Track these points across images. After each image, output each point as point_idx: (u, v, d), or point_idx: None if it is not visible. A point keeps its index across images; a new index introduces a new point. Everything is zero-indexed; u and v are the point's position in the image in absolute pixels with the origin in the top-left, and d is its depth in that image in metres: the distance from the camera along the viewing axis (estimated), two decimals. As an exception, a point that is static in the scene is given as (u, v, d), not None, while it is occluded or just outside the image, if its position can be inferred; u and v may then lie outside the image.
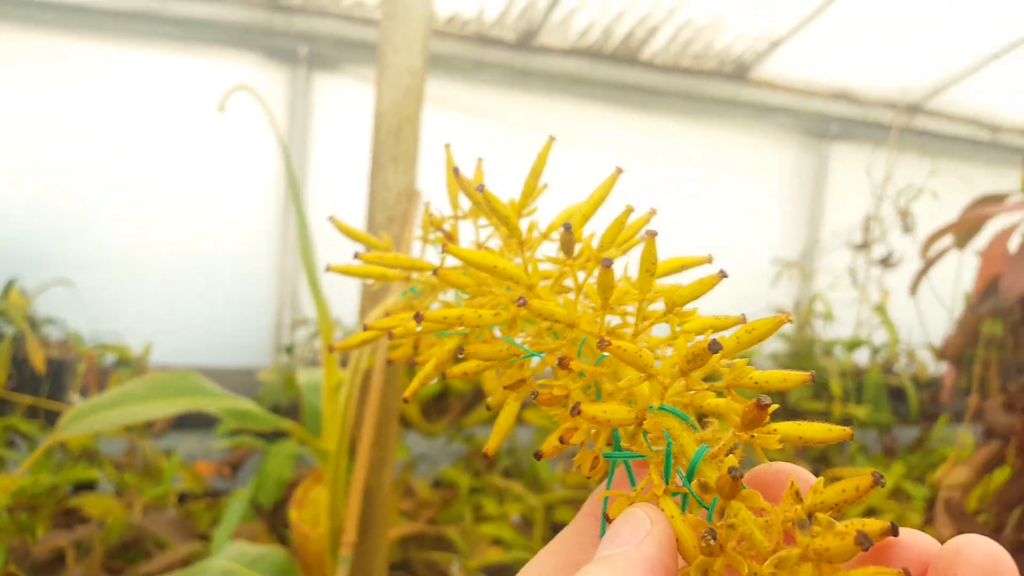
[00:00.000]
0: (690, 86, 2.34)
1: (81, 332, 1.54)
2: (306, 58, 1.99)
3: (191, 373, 0.67)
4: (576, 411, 0.21)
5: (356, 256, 0.31)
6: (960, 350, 1.26)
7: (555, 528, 1.53)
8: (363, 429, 0.71)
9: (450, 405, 1.65)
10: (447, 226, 0.31)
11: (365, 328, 0.29)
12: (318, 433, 0.70)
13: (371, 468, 0.72)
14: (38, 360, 1.32)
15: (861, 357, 2.41)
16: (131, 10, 1.81)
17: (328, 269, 0.33)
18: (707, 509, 0.20)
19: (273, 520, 1.32)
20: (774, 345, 2.19)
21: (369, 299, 0.74)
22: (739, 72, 2.35)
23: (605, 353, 0.21)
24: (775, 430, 0.20)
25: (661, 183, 2.35)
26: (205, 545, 1.17)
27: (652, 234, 0.23)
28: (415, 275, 0.31)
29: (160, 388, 0.64)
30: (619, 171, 0.27)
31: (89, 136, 1.91)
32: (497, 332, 0.26)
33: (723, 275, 0.23)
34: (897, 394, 2.12)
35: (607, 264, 0.23)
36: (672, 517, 0.20)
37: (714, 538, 0.19)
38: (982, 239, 1.22)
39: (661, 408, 0.21)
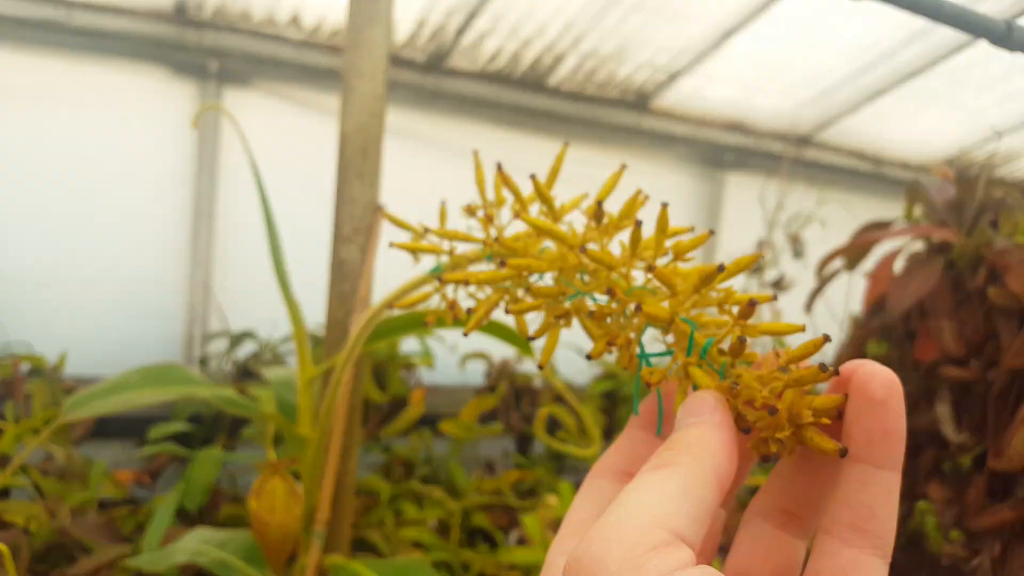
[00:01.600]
0: (594, 114, 2.54)
1: (-10, 343, 1.59)
2: (216, 73, 2.09)
3: (178, 365, 0.79)
4: (639, 308, 0.32)
5: (428, 231, 0.41)
6: None
7: (471, 532, 1.68)
8: (335, 420, 0.85)
9: (368, 417, 1.78)
10: (483, 212, 0.40)
11: (440, 281, 0.38)
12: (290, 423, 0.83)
13: (342, 455, 0.86)
14: (-51, 370, 1.37)
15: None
16: (36, 19, 1.86)
17: (392, 245, 0.42)
18: (717, 372, 0.32)
19: (201, 524, 1.41)
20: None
21: (337, 301, 0.87)
22: (640, 102, 2.58)
23: (634, 287, 0.33)
24: (754, 327, 0.32)
25: (580, 193, 2.54)
26: (132, 548, 1.25)
27: (665, 204, 0.34)
28: (459, 248, 0.43)
29: (152, 378, 0.75)
30: (624, 166, 0.40)
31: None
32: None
33: (711, 232, 0.36)
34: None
35: (639, 223, 0.34)
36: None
37: (737, 384, 0.30)
38: (869, 262, 1.38)
39: (682, 320, 0.32)
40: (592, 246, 0.35)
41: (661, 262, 0.35)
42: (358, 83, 0.85)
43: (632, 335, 0.34)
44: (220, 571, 0.83)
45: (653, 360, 0.34)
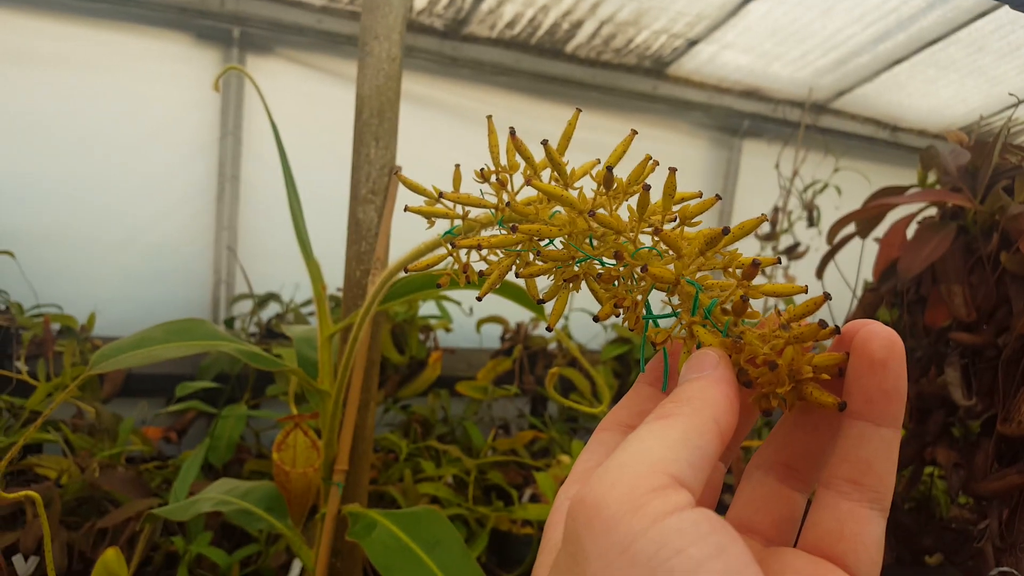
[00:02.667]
0: (611, 80, 2.52)
1: (23, 304, 1.62)
2: (238, 40, 2.09)
3: (203, 320, 0.80)
4: (645, 269, 0.32)
5: (443, 196, 0.41)
6: None
7: (486, 489, 1.71)
8: (353, 375, 0.86)
9: (388, 377, 1.80)
10: (495, 177, 0.40)
11: (453, 246, 0.38)
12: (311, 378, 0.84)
13: (359, 408, 0.87)
14: (-18, 329, 1.40)
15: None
16: (60, -14, 1.87)
17: (406, 209, 0.42)
18: (720, 331, 0.32)
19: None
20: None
21: (355, 260, 0.88)
22: (658, 68, 2.56)
23: (642, 248, 0.33)
24: (757, 288, 0.32)
25: (592, 159, 2.54)
26: (160, 501, 1.28)
27: (673, 169, 0.35)
28: (472, 212, 0.43)
29: (177, 332, 0.76)
30: (634, 132, 0.39)
31: (23, 113, 1.96)
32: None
33: (718, 197, 0.36)
34: (802, 374, 2.36)
35: (647, 187, 0.34)
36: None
37: (741, 339, 0.31)
38: (882, 228, 1.36)
39: (688, 281, 0.33)
40: (601, 211, 0.35)
41: (668, 227, 0.35)
42: (374, 45, 0.85)
43: (639, 297, 0.34)
44: (243, 520, 0.85)
45: (660, 322, 0.34)
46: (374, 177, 0.86)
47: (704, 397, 0.29)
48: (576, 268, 0.36)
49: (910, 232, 1.28)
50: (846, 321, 1.17)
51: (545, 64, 2.42)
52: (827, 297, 0.31)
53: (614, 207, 0.36)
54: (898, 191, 1.34)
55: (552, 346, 2.07)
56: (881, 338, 0.29)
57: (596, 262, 0.36)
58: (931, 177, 1.35)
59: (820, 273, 1.46)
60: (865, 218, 1.37)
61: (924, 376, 1.28)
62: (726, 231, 0.32)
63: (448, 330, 2.01)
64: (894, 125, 3.04)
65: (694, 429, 0.27)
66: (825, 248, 1.45)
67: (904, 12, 2.30)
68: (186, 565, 1.22)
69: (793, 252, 2.52)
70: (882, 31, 2.40)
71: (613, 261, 0.34)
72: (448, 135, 2.42)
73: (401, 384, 1.82)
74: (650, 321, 0.34)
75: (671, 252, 0.34)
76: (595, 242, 0.35)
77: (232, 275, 2.20)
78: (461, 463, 1.65)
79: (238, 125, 2.17)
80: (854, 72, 2.64)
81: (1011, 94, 2.56)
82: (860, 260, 1.52)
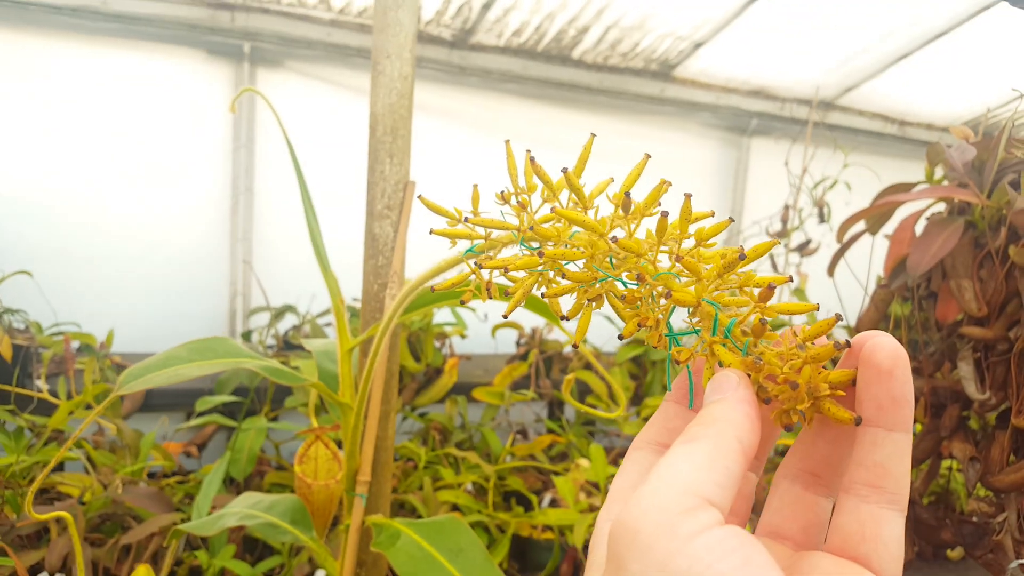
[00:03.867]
0: (618, 84, 2.53)
1: (41, 322, 1.64)
2: (249, 55, 2.11)
3: (225, 338, 0.80)
4: (669, 295, 0.34)
5: (467, 220, 0.42)
6: (873, 324, 1.34)
7: (506, 495, 1.72)
8: (373, 387, 0.87)
9: (405, 385, 1.81)
10: (515, 200, 0.41)
11: (480, 267, 0.40)
12: (332, 391, 0.85)
13: (380, 420, 0.88)
14: (5, 348, 1.42)
15: (782, 337, 2.65)
16: (71, 5, 1.88)
17: (432, 232, 0.43)
18: (740, 350, 0.33)
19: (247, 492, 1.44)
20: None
21: (372, 274, 0.89)
22: (664, 71, 2.56)
23: (661, 271, 0.34)
24: (772, 308, 0.33)
25: (591, 177, 2.55)
26: (183, 516, 1.30)
27: (688, 195, 0.35)
28: (494, 233, 0.45)
29: (200, 351, 0.77)
30: (647, 157, 0.40)
31: (40, 132, 1.98)
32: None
33: (731, 220, 0.37)
34: (816, 371, 2.36)
35: (665, 213, 0.35)
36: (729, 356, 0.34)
37: (760, 360, 0.32)
38: (892, 224, 1.34)
39: (708, 302, 0.34)
40: (620, 232, 0.37)
41: (687, 246, 0.36)
42: (386, 64, 0.86)
43: (660, 316, 0.36)
44: (268, 533, 0.86)
45: (681, 339, 0.36)
46: (389, 193, 0.87)
47: (727, 419, 0.31)
48: (598, 287, 0.37)
49: (919, 228, 1.27)
50: (859, 318, 1.17)
51: (553, 70, 2.43)
52: (838, 318, 0.32)
53: (633, 228, 0.37)
54: (906, 188, 1.33)
55: (567, 349, 2.07)
56: (886, 349, 0.30)
57: (617, 282, 0.37)
58: (938, 173, 1.35)
59: (831, 271, 1.45)
60: (874, 216, 1.36)
61: (938, 371, 1.28)
62: (743, 256, 0.33)
63: (463, 336, 2.01)
64: (901, 120, 3.03)
65: (719, 450, 0.29)
66: (836, 244, 1.45)
67: (905, 9, 2.30)
68: (211, 578, 1.23)
69: (805, 248, 2.52)
70: (887, 27, 2.39)
71: (634, 282, 0.36)
72: (459, 143, 2.43)
73: (418, 392, 1.83)
74: (673, 340, 0.36)
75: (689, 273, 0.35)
76: (615, 261, 0.37)
77: (248, 287, 2.22)
78: (480, 470, 1.66)
79: (251, 138, 2.19)
80: (860, 68, 2.64)
81: (1014, 89, 2.55)
82: (871, 256, 1.52)
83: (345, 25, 2.15)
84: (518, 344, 2.11)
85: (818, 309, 0.35)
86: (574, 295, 0.38)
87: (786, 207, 2.53)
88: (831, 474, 0.34)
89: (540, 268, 0.38)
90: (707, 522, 0.26)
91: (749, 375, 0.33)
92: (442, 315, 2.05)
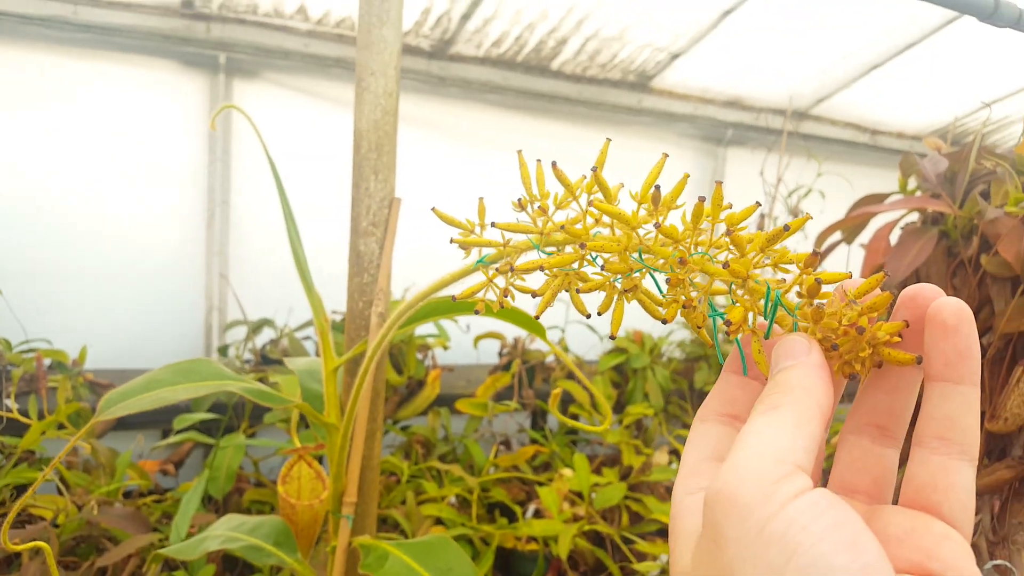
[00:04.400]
0: (597, 95, 2.52)
1: (11, 339, 1.59)
2: (225, 65, 2.08)
3: (208, 360, 0.78)
4: (727, 266, 0.35)
5: (494, 225, 0.43)
6: None
7: (490, 507, 1.69)
8: (360, 406, 0.85)
9: (387, 399, 1.78)
10: (537, 205, 0.42)
11: (512, 270, 0.41)
12: (316, 412, 0.83)
13: (366, 439, 0.86)
14: (-26, 366, 1.38)
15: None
16: (41, 15, 1.83)
17: (452, 241, 0.43)
18: (793, 317, 0.35)
19: (226, 511, 1.41)
20: (683, 334, 2.42)
21: (357, 292, 0.87)
22: (642, 82, 2.57)
23: (697, 253, 0.36)
24: (815, 275, 0.34)
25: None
26: (160, 536, 1.26)
27: (719, 183, 0.37)
28: (513, 239, 0.45)
29: (184, 373, 0.74)
30: (665, 156, 0.41)
31: (9, 145, 1.93)
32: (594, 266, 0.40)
33: (758, 204, 0.39)
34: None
35: (701, 198, 0.37)
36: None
37: (823, 305, 0.34)
38: (867, 233, 1.37)
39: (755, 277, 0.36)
40: (653, 223, 0.38)
41: (718, 230, 0.38)
42: (371, 81, 0.84)
43: (701, 298, 0.37)
44: (252, 555, 0.83)
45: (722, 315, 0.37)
46: (374, 210, 0.85)
47: (806, 385, 0.32)
48: (636, 278, 0.39)
49: (894, 238, 1.30)
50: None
51: (532, 81, 2.42)
52: (886, 274, 0.35)
53: (662, 220, 0.38)
54: (879, 199, 1.36)
55: (550, 359, 2.06)
56: (951, 306, 0.32)
57: (650, 271, 0.39)
58: (912, 183, 1.37)
59: (810, 280, 1.47)
60: (849, 226, 1.39)
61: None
62: (787, 228, 0.35)
63: (446, 348, 1.99)
64: (873, 129, 3.07)
65: (803, 416, 0.31)
66: (811, 251, 1.47)
67: (877, 20, 2.33)
68: (190, 599, 1.20)
69: (781, 257, 2.54)
70: (859, 39, 2.42)
71: (665, 273, 0.38)
72: (439, 154, 2.41)
73: (400, 405, 1.80)
74: (717, 316, 0.38)
75: (723, 254, 0.37)
76: (644, 254, 0.39)
77: (224, 301, 2.18)
78: (463, 482, 1.64)
79: (227, 151, 2.16)
80: (833, 79, 2.67)
81: (983, 101, 2.58)
82: (847, 265, 1.54)
83: (323, 36, 2.13)
84: (500, 354, 2.09)
85: (851, 276, 0.36)
86: (598, 294, 0.40)
87: (762, 216, 2.54)
88: (895, 425, 0.36)
89: (570, 268, 0.40)
90: (800, 487, 0.28)
91: (809, 329, 0.35)
92: (424, 326, 2.02)
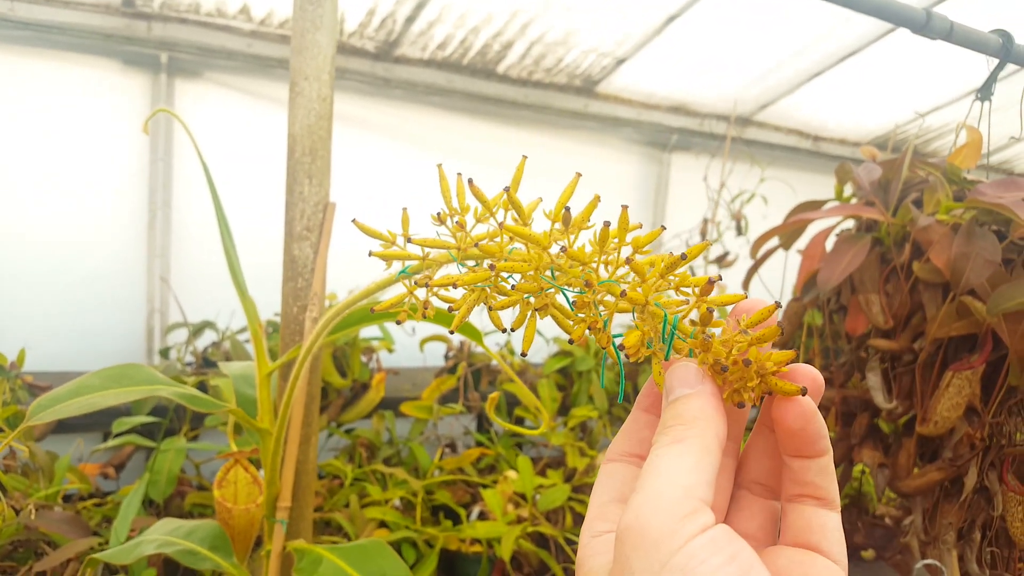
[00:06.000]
0: (543, 99, 2.56)
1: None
2: (167, 65, 2.06)
3: (140, 365, 0.78)
4: (624, 294, 0.37)
5: (410, 240, 0.44)
6: (787, 336, 1.42)
7: (435, 510, 1.71)
8: (293, 411, 0.86)
9: (330, 402, 1.79)
10: (452, 220, 0.43)
11: (421, 284, 0.43)
12: (250, 416, 0.84)
13: (301, 444, 0.87)
14: (-93, 371, 1.35)
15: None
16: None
17: (371, 254, 0.44)
18: (687, 343, 0.36)
19: (167, 514, 1.41)
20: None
21: (291, 297, 0.88)
22: (588, 86, 2.61)
23: (604, 280, 0.37)
24: (711, 300, 0.36)
25: (520, 192, 2.57)
26: (101, 540, 1.26)
27: (625, 207, 0.39)
28: (432, 253, 0.46)
29: (115, 378, 0.75)
30: (578, 175, 0.43)
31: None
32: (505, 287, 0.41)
33: (663, 228, 0.41)
34: (735, 380, 2.43)
35: (606, 223, 0.38)
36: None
37: (709, 338, 0.36)
38: (804, 240, 1.41)
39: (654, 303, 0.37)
40: (555, 248, 0.40)
41: (627, 254, 0.39)
42: (304, 86, 0.86)
43: (606, 319, 0.39)
44: (188, 559, 0.84)
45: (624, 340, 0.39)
46: (308, 214, 0.86)
47: (705, 415, 0.35)
48: (546, 297, 0.40)
49: (829, 244, 1.33)
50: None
51: (478, 84, 2.44)
52: (778, 305, 0.36)
53: (572, 240, 0.40)
54: (816, 206, 1.39)
55: (495, 362, 2.08)
56: (794, 411, 0.35)
57: (560, 291, 0.40)
58: (848, 190, 1.41)
59: (746, 284, 1.50)
60: (787, 232, 1.41)
61: (848, 381, 1.33)
62: (683, 256, 0.37)
63: (391, 351, 2.01)
64: (816, 135, 3.14)
65: (704, 449, 0.33)
66: (753, 257, 1.49)
67: (818, 29, 2.39)
68: (129, 604, 1.20)
69: (723, 260, 2.59)
70: (799, 47, 2.48)
71: (576, 291, 0.39)
72: (383, 156, 2.42)
73: (344, 408, 1.81)
74: (615, 340, 0.39)
75: (628, 279, 0.38)
76: (555, 273, 0.40)
77: (166, 304, 2.16)
78: (408, 485, 1.65)
79: (168, 152, 2.14)
80: (775, 86, 2.73)
81: (916, 111, 2.66)
82: (784, 270, 1.58)
83: (266, 36, 2.13)
84: (446, 357, 2.11)
85: (746, 297, 0.38)
86: (515, 309, 0.41)
87: (705, 220, 2.60)
88: (775, 482, 0.39)
89: (485, 284, 0.41)
90: (704, 523, 0.31)
91: (697, 355, 0.37)
92: (369, 329, 2.03)
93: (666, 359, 0.38)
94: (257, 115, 2.24)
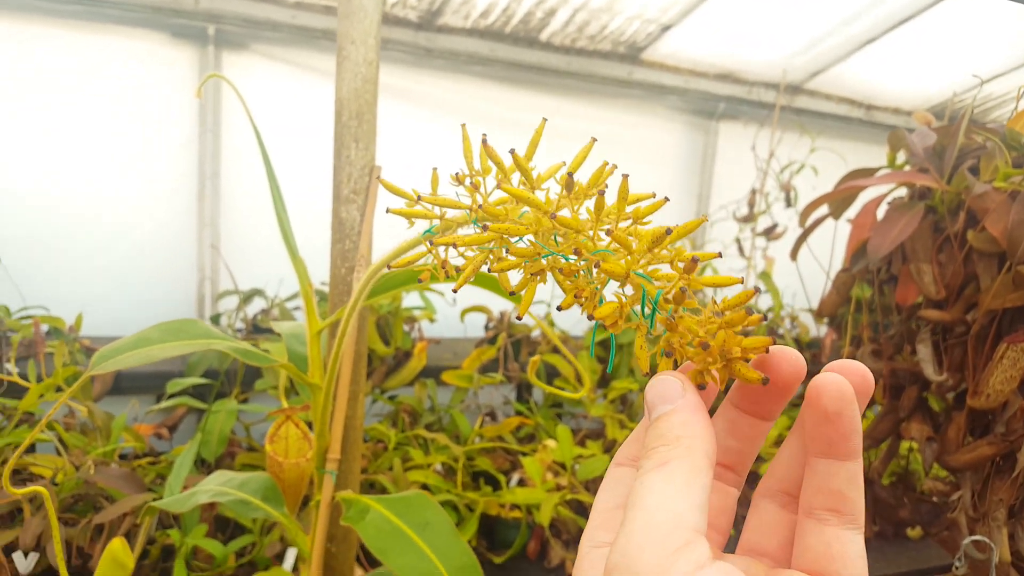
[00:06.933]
0: (586, 67, 2.55)
1: (10, 306, 1.65)
2: (214, 37, 2.10)
3: (196, 320, 0.82)
4: (598, 265, 0.36)
5: (420, 199, 0.44)
6: (835, 307, 1.41)
7: (475, 475, 1.75)
8: (341, 367, 0.90)
9: (374, 369, 1.83)
10: (469, 181, 0.43)
11: (432, 243, 0.43)
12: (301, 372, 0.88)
13: (349, 400, 0.91)
14: (-29, 333, 1.42)
15: (748, 321, 2.71)
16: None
17: (388, 211, 0.45)
18: (668, 315, 0.36)
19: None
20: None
21: (339, 258, 0.92)
22: (632, 54, 2.59)
23: (600, 248, 0.37)
24: (698, 280, 0.36)
25: (559, 161, 2.57)
26: (155, 496, 1.32)
27: (625, 176, 0.38)
28: (448, 213, 0.48)
29: (173, 332, 0.78)
30: (594, 140, 0.43)
31: (4, 118, 1.97)
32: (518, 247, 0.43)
33: (666, 199, 0.40)
34: (781, 354, 2.42)
35: (602, 192, 0.38)
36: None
37: (673, 318, 0.36)
38: (855, 209, 1.39)
39: (637, 273, 0.37)
40: (564, 212, 0.39)
41: (623, 225, 0.39)
42: (351, 50, 0.89)
43: (597, 288, 0.38)
44: (240, 509, 0.88)
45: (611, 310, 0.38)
46: (355, 177, 0.89)
47: (692, 433, 0.32)
48: (544, 263, 0.39)
49: (880, 213, 1.31)
50: (821, 301, 1.19)
51: (520, 53, 2.44)
52: (757, 291, 0.35)
53: (576, 208, 0.39)
54: (868, 173, 1.37)
55: (536, 333, 2.11)
56: (831, 392, 0.32)
57: (560, 257, 0.39)
58: (901, 158, 1.39)
59: (794, 255, 1.49)
60: (837, 200, 1.40)
61: (897, 353, 1.32)
62: (669, 231, 0.36)
63: (432, 320, 2.04)
64: (869, 104, 3.08)
65: (693, 470, 0.31)
66: (801, 228, 1.48)
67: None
68: (183, 557, 1.26)
69: (771, 233, 2.58)
70: (853, 12, 2.43)
71: (574, 257, 0.38)
72: (426, 126, 2.44)
73: (388, 375, 1.85)
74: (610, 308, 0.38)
75: (623, 249, 0.38)
76: (560, 239, 0.39)
77: (216, 272, 2.22)
78: (449, 450, 1.69)
79: (217, 123, 2.19)
80: (827, 52, 2.68)
81: (975, 75, 2.59)
82: (834, 241, 1.56)
83: (310, 7, 2.15)
84: (487, 328, 2.14)
85: (743, 283, 0.37)
86: (521, 272, 0.41)
87: (753, 191, 2.58)
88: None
89: (490, 246, 0.41)
90: (699, 560, 0.28)
91: (663, 333, 0.36)
92: (411, 299, 2.07)
93: (650, 331, 0.37)
94: (301, 86, 2.27)
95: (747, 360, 0.35)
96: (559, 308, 0.39)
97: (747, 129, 2.92)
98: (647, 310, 0.37)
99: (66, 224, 2.07)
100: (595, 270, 0.37)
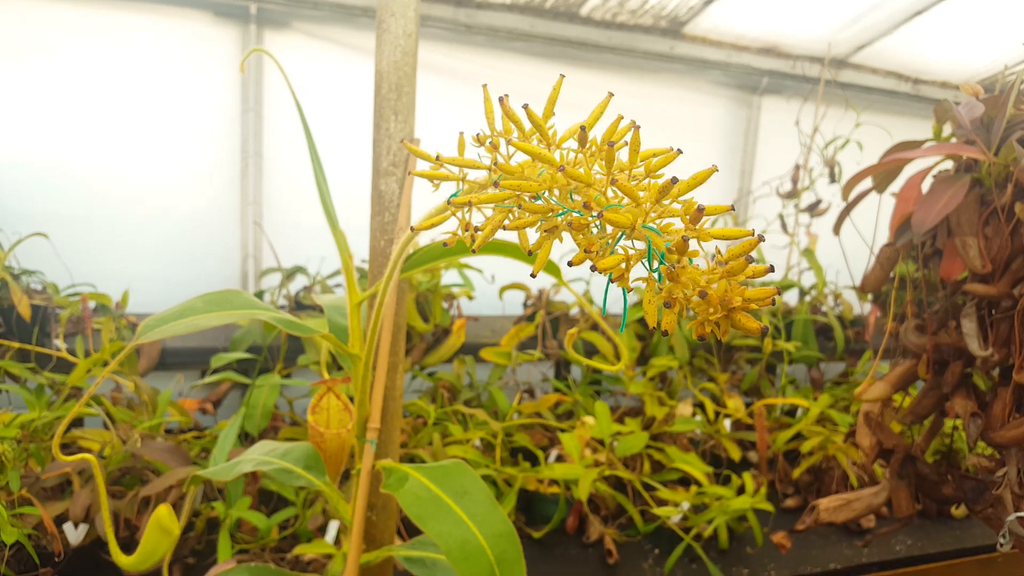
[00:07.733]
0: (627, 41, 2.53)
1: (58, 283, 1.70)
2: (256, 16, 2.13)
3: (240, 291, 0.84)
4: (600, 215, 0.37)
5: (439, 159, 0.46)
6: (879, 283, 1.39)
7: (513, 451, 1.77)
8: (381, 338, 0.92)
9: (414, 346, 1.85)
10: (489, 141, 0.45)
11: (449, 202, 0.44)
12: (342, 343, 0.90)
13: (388, 371, 0.93)
14: (24, 308, 1.47)
15: (791, 297, 2.69)
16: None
17: (411, 174, 0.49)
18: (670, 266, 0.36)
19: (260, 445, 1.50)
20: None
21: (379, 231, 0.93)
22: (674, 28, 2.56)
23: (610, 205, 0.38)
24: (707, 231, 0.37)
25: (599, 136, 2.56)
26: (201, 469, 1.35)
27: (637, 126, 0.39)
28: (471, 175, 0.49)
29: (217, 303, 0.81)
30: (610, 95, 0.42)
31: (53, 98, 2.02)
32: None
33: (679, 152, 0.40)
34: (824, 332, 2.40)
35: (611, 144, 0.39)
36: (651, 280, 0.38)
37: (674, 268, 0.36)
38: (899, 182, 1.36)
39: (644, 227, 0.38)
40: (573, 167, 0.39)
41: (639, 181, 0.39)
42: (391, 22, 0.89)
43: (609, 243, 0.39)
44: (283, 477, 0.91)
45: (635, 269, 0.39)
46: (394, 150, 0.90)
47: None
48: (558, 220, 0.40)
49: (925, 186, 1.29)
50: (864, 276, 1.18)
51: (560, 28, 2.43)
52: (760, 239, 0.35)
53: (591, 164, 0.40)
54: (914, 145, 1.34)
55: (574, 311, 2.11)
56: None
57: (574, 213, 0.39)
58: (947, 130, 1.36)
59: (837, 229, 1.47)
60: (881, 173, 1.37)
61: (941, 328, 1.30)
62: (675, 180, 0.37)
63: (471, 298, 2.06)
64: (916, 78, 3.02)
65: None
66: (845, 204, 1.46)
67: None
68: (227, 529, 1.29)
69: (815, 209, 2.54)
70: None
71: (579, 212, 0.39)
72: (465, 103, 2.45)
73: (427, 352, 1.87)
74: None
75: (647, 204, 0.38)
76: (576, 197, 0.39)
77: (259, 249, 2.26)
78: (488, 426, 1.71)
79: (259, 101, 2.22)
80: (873, 25, 2.63)
81: (1025, 44, 2.49)
82: (877, 215, 1.54)
83: (351, -16, 2.17)
84: (525, 305, 2.15)
85: (752, 234, 0.36)
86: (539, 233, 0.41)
87: (796, 167, 2.55)
88: None
89: (508, 205, 0.41)
90: None
91: (666, 287, 0.36)
92: (450, 276, 2.09)
93: (659, 285, 0.37)
94: (343, 64, 2.29)
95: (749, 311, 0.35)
96: (569, 264, 0.39)
97: (791, 104, 2.88)
98: (655, 263, 0.37)
99: (112, 203, 2.12)
100: (601, 222, 0.38)
